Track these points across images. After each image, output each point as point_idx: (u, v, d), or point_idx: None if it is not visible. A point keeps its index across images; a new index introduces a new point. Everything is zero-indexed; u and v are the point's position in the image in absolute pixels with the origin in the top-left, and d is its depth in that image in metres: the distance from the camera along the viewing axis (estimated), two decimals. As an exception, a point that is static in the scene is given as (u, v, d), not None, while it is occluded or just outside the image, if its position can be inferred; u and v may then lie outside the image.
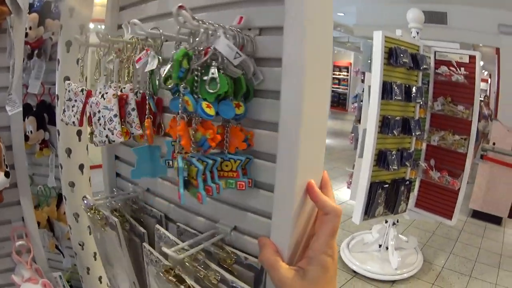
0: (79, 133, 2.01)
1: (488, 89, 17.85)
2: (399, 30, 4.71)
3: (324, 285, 0.94)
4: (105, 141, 1.29)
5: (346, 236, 6.04)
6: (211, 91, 0.98)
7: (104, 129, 1.28)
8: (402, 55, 4.34)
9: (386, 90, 4.31)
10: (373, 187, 4.52)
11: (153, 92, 1.35)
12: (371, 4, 10.42)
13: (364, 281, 5.15)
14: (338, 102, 24.12)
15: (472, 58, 4.95)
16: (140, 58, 1.24)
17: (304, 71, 0.93)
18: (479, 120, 9.71)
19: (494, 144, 7.94)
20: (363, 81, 5.61)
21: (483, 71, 18.56)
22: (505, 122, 8.55)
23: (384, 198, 4.68)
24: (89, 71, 1.66)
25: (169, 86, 1.10)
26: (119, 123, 1.28)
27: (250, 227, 1.19)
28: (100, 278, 2.24)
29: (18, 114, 1.79)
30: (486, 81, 19.03)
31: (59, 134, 1.97)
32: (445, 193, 5.25)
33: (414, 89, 4.55)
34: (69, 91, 1.39)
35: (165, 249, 1.17)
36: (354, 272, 5.28)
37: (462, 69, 4.95)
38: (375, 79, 4.25)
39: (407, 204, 5.06)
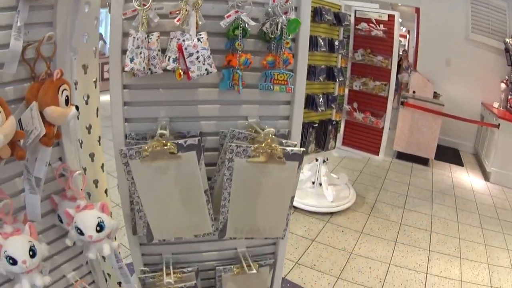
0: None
1: (407, 44, 18.38)
2: None
3: None
4: (203, 73, 1.81)
5: None
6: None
7: (204, 64, 1.80)
8: (325, 13, 4.74)
9: (312, 43, 4.68)
10: (304, 127, 4.88)
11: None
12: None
13: (305, 215, 5.54)
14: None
15: (391, 16, 5.48)
16: (229, 15, 1.90)
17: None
18: (399, 72, 10.40)
19: (414, 92, 8.60)
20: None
21: (402, 27, 19.18)
22: (424, 73, 9.21)
23: (314, 136, 5.12)
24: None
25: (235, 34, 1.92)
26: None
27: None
28: (106, 191, 2.41)
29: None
30: (405, 36, 19.59)
31: (76, 84, 2.09)
32: (370, 132, 5.80)
33: (336, 42, 4.98)
34: (137, 39, 1.73)
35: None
36: (294, 207, 5.58)
37: (381, 25, 5.45)
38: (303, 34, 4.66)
39: (335, 142, 5.50)
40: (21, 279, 1.51)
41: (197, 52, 1.78)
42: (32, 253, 1.50)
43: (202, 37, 1.81)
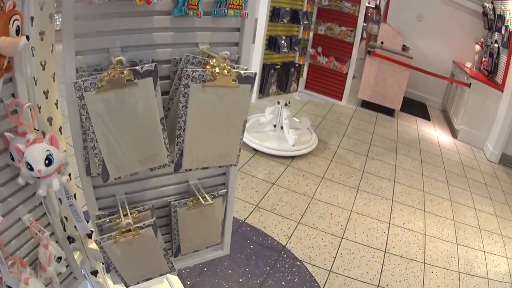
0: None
1: (379, -2, 18.40)
2: None
3: None
4: None
5: None
6: None
7: None
8: None
9: None
10: (266, 69, 4.91)
11: None
12: None
13: (266, 158, 5.53)
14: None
15: None
16: None
17: None
18: (366, 22, 10.35)
19: (382, 43, 8.53)
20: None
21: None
22: (394, 26, 9.18)
23: (276, 78, 5.09)
24: None
25: None
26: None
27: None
28: (60, 129, 2.31)
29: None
30: (378, -12, 19.61)
31: (32, 20, 1.98)
32: (333, 77, 5.78)
33: None
34: None
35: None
36: (255, 150, 5.63)
37: None
38: None
39: (297, 85, 5.49)
40: None
41: None
42: None
43: None
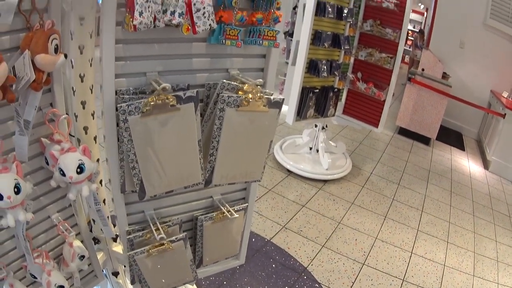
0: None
1: (424, 22, 18.30)
2: None
3: None
4: (207, 28, 1.90)
5: (278, 140, 6.35)
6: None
7: (208, 20, 1.89)
8: None
9: (320, 8, 4.59)
10: (305, 91, 4.91)
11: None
12: None
13: (299, 180, 5.57)
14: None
15: None
16: None
17: None
18: (410, 48, 10.27)
19: (423, 70, 8.52)
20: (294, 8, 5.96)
21: (420, 4, 19.03)
22: (435, 52, 9.14)
23: (314, 101, 5.08)
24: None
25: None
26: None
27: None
28: (95, 138, 2.42)
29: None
30: (422, 14, 19.50)
31: (72, 34, 2.13)
32: (371, 103, 5.75)
33: (346, 10, 4.91)
34: None
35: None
36: (289, 171, 5.67)
37: None
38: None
39: (335, 110, 5.47)
40: (6, 214, 1.60)
41: (204, 8, 1.87)
42: (17, 189, 1.58)
43: None
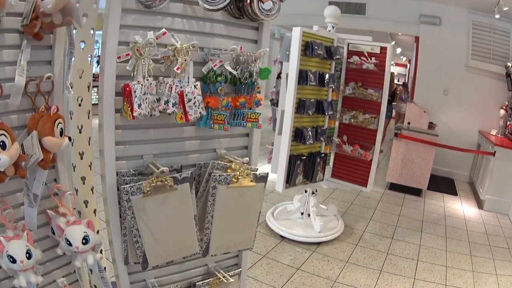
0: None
1: (407, 74, 18.47)
2: (316, 26, 5.24)
3: None
4: (198, 116, 2.14)
5: (270, 207, 6.42)
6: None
7: (198, 108, 2.12)
8: (317, 47, 4.85)
9: (302, 77, 4.85)
10: (292, 159, 5.03)
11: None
12: (289, -7, 10.31)
13: (292, 244, 5.61)
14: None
15: (383, 49, 5.56)
16: (216, 64, 2.26)
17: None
18: (395, 101, 10.40)
19: (409, 123, 8.69)
20: (279, 76, 6.10)
21: (402, 57, 19.27)
22: (420, 104, 9.29)
23: (302, 168, 5.21)
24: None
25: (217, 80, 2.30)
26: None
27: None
28: (94, 211, 2.61)
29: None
30: (405, 66, 19.73)
31: (71, 114, 2.33)
32: (358, 164, 5.88)
33: (327, 76, 5.08)
34: (144, 86, 1.99)
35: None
36: (282, 237, 5.73)
37: (373, 58, 5.54)
38: (292, 68, 4.76)
39: (323, 174, 5.58)
40: (19, 275, 1.77)
41: (194, 98, 2.10)
42: (29, 255, 1.76)
43: (197, 85, 2.14)
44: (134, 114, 1.95)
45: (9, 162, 1.60)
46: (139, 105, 1.96)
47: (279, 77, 6.16)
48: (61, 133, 1.87)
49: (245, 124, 2.39)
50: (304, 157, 5.24)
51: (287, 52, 4.91)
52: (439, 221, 7.29)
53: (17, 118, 1.87)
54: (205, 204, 2.37)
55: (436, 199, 8.59)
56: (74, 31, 1.99)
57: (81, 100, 2.37)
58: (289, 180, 5.12)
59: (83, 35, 2.28)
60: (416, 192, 8.66)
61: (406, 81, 15.77)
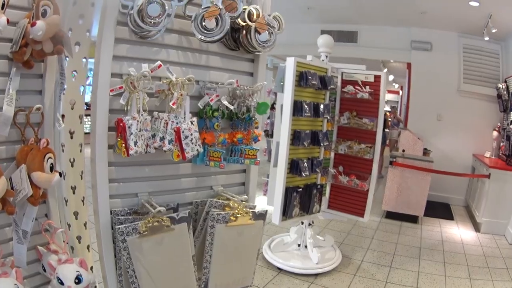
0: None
1: (400, 100, 18.57)
2: (309, 56, 5.24)
3: None
4: (195, 153, 2.08)
5: (266, 239, 6.35)
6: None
7: (195, 145, 2.07)
8: (311, 77, 4.82)
9: (297, 108, 4.80)
10: (289, 191, 4.97)
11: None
12: (284, 23, 10.15)
13: (290, 276, 5.53)
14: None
15: (377, 77, 5.54)
16: (212, 99, 2.26)
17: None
18: (386, 127, 10.39)
19: (403, 151, 8.69)
20: (273, 106, 6.09)
21: (394, 84, 19.36)
22: (415, 131, 9.29)
23: (299, 200, 5.13)
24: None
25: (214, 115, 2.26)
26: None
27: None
28: (88, 247, 2.54)
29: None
30: (398, 93, 19.81)
31: (63, 146, 2.27)
32: (355, 195, 5.81)
33: (322, 106, 5.05)
34: (140, 123, 1.94)
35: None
36: (279, 269, 5.64)
37: (367, 87, 5.51)
38: (287, 99, 4.72)
39: (320, 206, 5.54)
40: None
41: (191, 134, 2.05)
42: None
43: (194, 121, 2.09)
44: (130, 152, 1.90)
45: (-6, 198, 1.51)
46: (135, 143, 1.91)
47: (273, 107, 6.09)
48: (52, 168, 1.81)
49: (242, 161, 2.35)
50: (300, 189, 5.17)
51: (281, 83, 4.86)
52: (436, 247, 7.23)
53: (5, 149, 1.82)
54: (203, 243, 2.32)
55: (433, 225, 8.54)
56: (66, 59, 1.97)
57: (73, 132, 2.32)
58: (286, 213, 5.06)
59: (75, 65, 2.23)
60: (413, 219, 8.59)
61: (399, 108, 15.79)
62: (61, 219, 2.26)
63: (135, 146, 1.90)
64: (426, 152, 9.10)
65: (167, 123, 2.04)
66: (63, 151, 2.25)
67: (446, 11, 8.29)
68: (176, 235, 2.14)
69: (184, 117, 2.09)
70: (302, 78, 4.87)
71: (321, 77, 5.14)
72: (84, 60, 2.27)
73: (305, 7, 9.42)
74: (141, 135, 1.93)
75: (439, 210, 9.52)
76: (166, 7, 2.04)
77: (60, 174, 1.88)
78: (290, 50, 6.82)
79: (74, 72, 2.24)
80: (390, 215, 8.72)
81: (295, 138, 4.94)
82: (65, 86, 1.98)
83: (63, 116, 2.06)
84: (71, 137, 2.31)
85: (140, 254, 2.03)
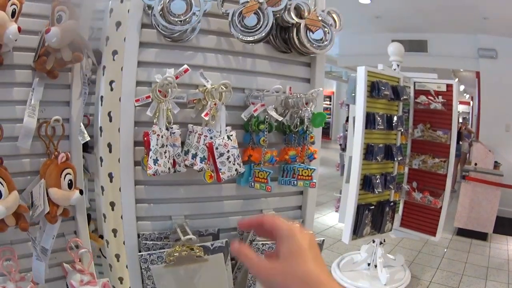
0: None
1: (471, 111, 18.16)
2: (380, 65, 5.06)
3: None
4: (234, 174, 1.74)
5: (336, 257, 6.24)
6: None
7: (234, 164, 1.73)
8: (383, 88, 4.63)
9: (370, 120, 4.62)
10: (360, 209, 4.77)
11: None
12: (354, 34, 10.44)
13: (357, 297, 5.36)
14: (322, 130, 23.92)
15: (449, 86, 5.33)
16: (256, 109, 1.87)
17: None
18: (460, 140, 10.09)
19: (476, 164, 8.32)
20: (347, 119, 5.93)
21: (465, 94, 18.95)
22: (485, 142, 8.95)
23: (370, 218, 4.93)
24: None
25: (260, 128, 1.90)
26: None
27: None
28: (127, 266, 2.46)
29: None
30: (468, 103, 19.38)
31: (101, 160, 2.22)
32: (428, 212, 5.59)
33: (395, 118, 4.85)
34: (161, 137, 1.65)
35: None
36: (347, 290, 5.49)
37: (440, 97, 5.30)
38: (359, 111, 4.57)
39: (392, 224, 5.32)
40: None
41: (228, 151, 1.72)
42: None
43: (232, 135, 1.76)
44: (149, 171, 1.61)
45: (5, 213, 1.49)
46: (155, 161, 1.61)
47: (347, 120, 5.90)
48: (70, 186, 1.72)
49: (295, 182, 1.99)
50: (373, 207, 4.98)
51: (353, 94, 4.67)
52: (502, 267, 6.92)
53: (29, 162, 1.79)
54: (245, 277, 2.01)
55: (501, 243, 8.21)
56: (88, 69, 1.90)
57: (112, 145, 2.22)
58: (356, 231, 4.87)
59: (113, 75, 2.14)
60: (482, 236, 8.26)
61: (470, 119, 15.46)
62: (103, 236, 2.27)
63: (154, 164, 1.60)
64: (496, 165, 8.74)
65: (199, 138, 1.75)
66: (101, 165, 2.20)
67: (509, 17, 7.95)
68: (210, 267, 1.83)
69: (220, 131, 1.75)
70: (374, 89, 4.68)
71: (393, 87, 4.95)
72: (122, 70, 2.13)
73: (373, 16, 9.26)
74: (165, 152, 1.64)
75: (508, 226, 9.12)
76: (193, 2, 1.75)
77: (81, 192, 1.77)
78: (362, 61, 6.64)
79: (112, 83, 2.17)
80: (461, 232, 8.42)
81: (368, 152, 4.75)
82: (86, 96, 1.90)
83: (100, 128, 2.03)
84: (110, 151, 2.22)
85: (166, 284, 1.78)
